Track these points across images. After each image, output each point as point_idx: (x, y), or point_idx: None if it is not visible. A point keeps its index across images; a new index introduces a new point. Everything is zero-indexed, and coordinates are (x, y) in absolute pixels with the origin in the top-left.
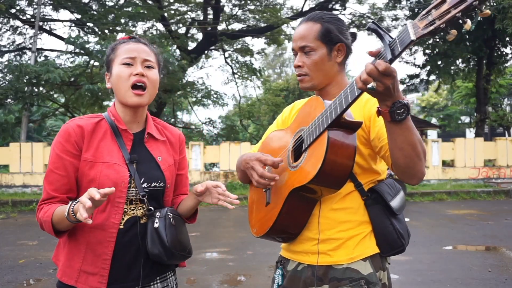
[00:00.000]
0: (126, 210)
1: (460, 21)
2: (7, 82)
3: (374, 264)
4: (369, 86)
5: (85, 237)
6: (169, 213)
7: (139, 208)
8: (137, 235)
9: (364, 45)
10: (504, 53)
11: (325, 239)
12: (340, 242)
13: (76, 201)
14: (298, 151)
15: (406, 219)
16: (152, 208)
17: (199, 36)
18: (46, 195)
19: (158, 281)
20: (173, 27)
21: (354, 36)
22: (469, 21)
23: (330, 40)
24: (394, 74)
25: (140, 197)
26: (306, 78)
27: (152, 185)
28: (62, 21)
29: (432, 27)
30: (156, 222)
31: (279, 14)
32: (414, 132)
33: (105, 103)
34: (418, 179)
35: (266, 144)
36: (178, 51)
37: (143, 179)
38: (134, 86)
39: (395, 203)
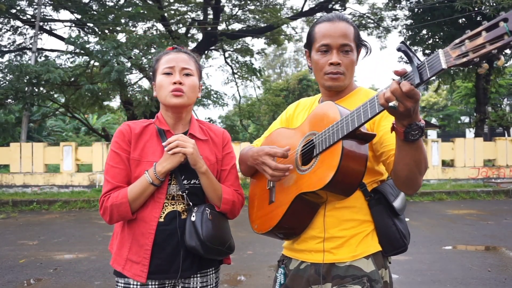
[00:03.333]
0: (167, 205)
1: (494, 56)
2: (7, 82)
3: (377, 262)
4: (390, 104)
5: (132, 228)
6: (206, 208)
7: (179, 204)
8: (177, 229)
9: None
10: (504, 53)
11: (328, 237)
12: (343, 240)
13: (154, 165)
14: (307, 154)
15: (406, 219)
16: (191, 204)
17: (199, 36)
18: (111, 186)
19: (198, 275)
20: (173, 27)
21: None
22: (502, 57)
23: (360, 43)
24: (417, 97)
25: (181, 193)
26: (342, 77)
27: (192, 182)
28: (62, 21)
29: (465, 59)
30: (193, 216)
31: (279, 14)
32: (423, 150)
33: (105, 103)
34: (414, 191)
35: (270, 140)
36: None
37: (183, 176)
38: (173, 91)
39: (397, 203)
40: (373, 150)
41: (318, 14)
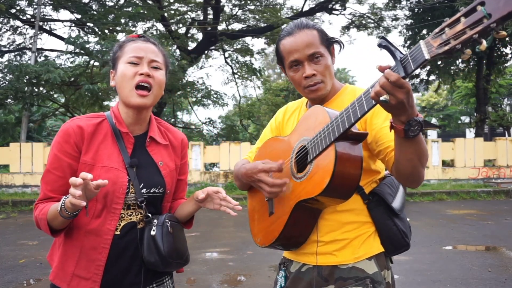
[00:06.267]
0: (123, 216)
1: (475, 42)
2: (7, 82)
3: (379, 263)
4: (381, 98)
5: (80, 241)
6: (167, 220)
7: (136, 214)
8: (133, 241)
9: (363, 45)
10: (504, 53)
11: (330, 241)
12: (345, 242)
13: (67, 196)
14: (301, 161)
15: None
16: (150, 215)
17: (199, 36)
18: (43, 195)
19: (154, 285)
20: (173, 27)
21: None
22: (484, 42)
23: (329, 43)
24: (406, 86)
25: (139, 203)
26: (321, 86)
27: (151, 191)
28: (62, 21)
29: (447, 47)
30: (154, 230)
31: (279, 14)
32: (423, 142)
33: (105, 103)
34: (419, 183)
35: (263, 152)
36: (178, 51)
37: (142, 184)
38: (139, 86)
39: (396, 203)
40: (368, 149)
41: (318, 14)
